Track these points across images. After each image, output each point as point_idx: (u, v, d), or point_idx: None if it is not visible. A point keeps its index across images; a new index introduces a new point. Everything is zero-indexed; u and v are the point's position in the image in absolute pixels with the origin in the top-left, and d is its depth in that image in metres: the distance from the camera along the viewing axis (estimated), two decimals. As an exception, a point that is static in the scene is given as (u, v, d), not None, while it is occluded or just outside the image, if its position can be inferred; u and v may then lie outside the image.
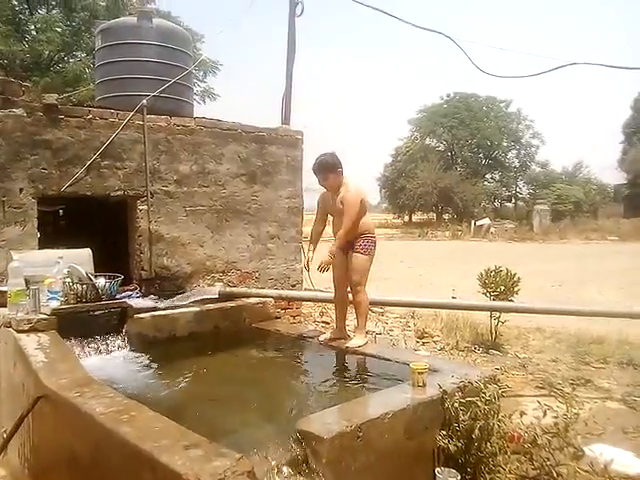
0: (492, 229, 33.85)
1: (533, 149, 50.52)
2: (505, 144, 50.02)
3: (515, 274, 7.13)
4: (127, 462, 2.47)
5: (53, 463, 3.24)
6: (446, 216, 46.08)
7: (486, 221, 35.39)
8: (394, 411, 2.88)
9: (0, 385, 3.92)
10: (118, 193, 5.39)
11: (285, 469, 2.43)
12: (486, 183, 49.23)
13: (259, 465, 2.33)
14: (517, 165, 51.42)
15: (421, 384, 3.21)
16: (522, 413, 3.20)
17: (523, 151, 50.75)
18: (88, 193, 5.21)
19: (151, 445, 2.37)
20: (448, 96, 50.18)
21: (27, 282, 4.07)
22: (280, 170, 6.70)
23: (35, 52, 18.28)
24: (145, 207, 5.56)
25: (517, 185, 51.68)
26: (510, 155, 51.46)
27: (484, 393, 3.11)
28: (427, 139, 51.22)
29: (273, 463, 2.39)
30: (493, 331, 7.16)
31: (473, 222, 35.60)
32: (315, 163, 4.43)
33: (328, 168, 4.32)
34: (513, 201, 51.68)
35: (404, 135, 53.35)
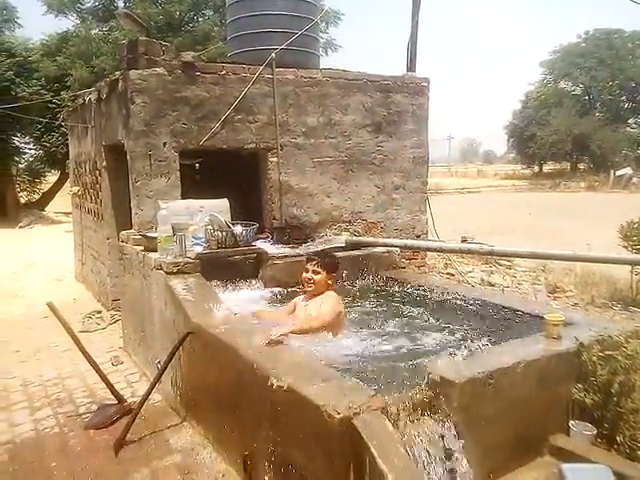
0: (634, 179, 30.96)
1: (688, 89, 44.97)
2: (653, 84, 44.96)
3: (662, 226, 6.58)
4: (269, 393, 2.68)
5: (201, 391, 3.60)
6: (581, 166, 42.81)
7: (628, 170, 32.39)
8: (527, 361, 2.84)
9: (154, 321, 4.36)
10: (251, 146, 5.63)
11: (417, 409, 2.50)
12: (629, 129, 44.74)
13: (391, 403, 2.42)
14: (665, 108, 46.14)
15: (555, 336, 3.11)
16: (669, 371, 3.01)
17: (675, 91, 45.35)
18: (224, 146, 5.50)
19: (291, 379, 2.55)
20: (586, 34, 45.69)
21: (173, 229, 4.44)
22: (405, 119, 6.59)
23: (167, 13, 19.20)
24: (275, 159, 5.76)
25: (665, 130, 46.55)
26: (658, 97, 46.23)
27: (625, 347, 2.96)
28: (561, 82, 47.33)
29: (405, 402, 2.47)
30: (634, 287, 6.70)
31: (612, 172, 32.76)
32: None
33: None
34: (661, 148, 46.72)
35: (535, 79, 49.92)
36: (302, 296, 3.95)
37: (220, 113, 5.42)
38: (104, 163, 6.55)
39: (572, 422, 3.00)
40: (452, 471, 2.39)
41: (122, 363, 5.06)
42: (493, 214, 17.48)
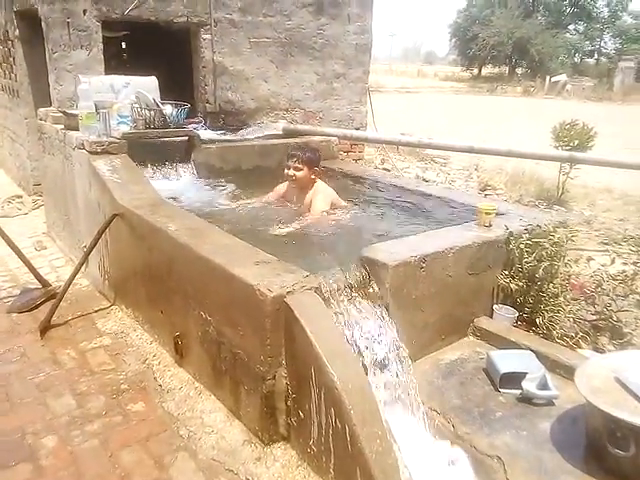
0: (568, 86, 31.49)
1: (629, -4, 45.06)
2: (596, -10, 44.71)
3: (592, 128, 6.73)
4: (201, 274, 2.61)
5: (129, 274, 3.49)
6: (519, 70, 43.00)
7: (562, 77, 32.85)
8: (458, 247, 2.88)
9: (78, 204, 4.12)
10: (182, 19, 5.18)
11: (349, 290, 2.51)
12: (568, 35, 44.90)
13: (325, 284, 2.41)
14: (606, 15, 46.25)
15: (487, 224, 3.17)
16: (589, 258, 3.15)
17: (616, -1, 45.35)
18: (151, 18, 5.03)
19: (224, 260, 2.48)
20: None
21: (96, 106, 4.10)
22: (349, 1, 6.22)
23: None
24: (209, 36, 5.35)
25: (602, 39, 47.02)
26: (600, 3, 46.15)
27: (552, 235, 3.05)
28: (509, -20, 46.32)
29: (338, 283, 2.47)
30: (560, 187, 6.94)
31: (548, 78, 33.15)
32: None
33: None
34: (595, 56, 47.36)
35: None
36: (286, 184, 3.94)
37: (148, -21, 4.91)
38: (17, 32, 5.89)
39: (496, 306, 3.13)
40: (383, 348, 2.44)
41: (46, 248, 4.84)
42: (432, 115, 17.48)
